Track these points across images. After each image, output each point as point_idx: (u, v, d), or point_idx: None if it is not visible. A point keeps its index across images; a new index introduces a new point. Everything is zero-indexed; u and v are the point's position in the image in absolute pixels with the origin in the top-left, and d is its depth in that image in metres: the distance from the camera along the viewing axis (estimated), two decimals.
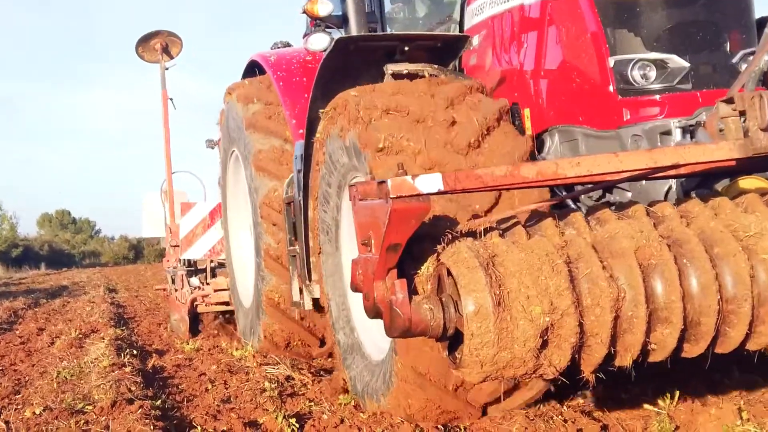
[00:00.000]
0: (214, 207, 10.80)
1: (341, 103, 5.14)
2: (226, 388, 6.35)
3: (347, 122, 5.02)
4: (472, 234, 3.35)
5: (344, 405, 5.48)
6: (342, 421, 5.02)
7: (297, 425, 4.93)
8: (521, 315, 2.94)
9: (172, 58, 11.89)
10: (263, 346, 7.65)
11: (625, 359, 3.18)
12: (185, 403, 6.05)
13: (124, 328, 11.00)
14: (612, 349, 3.12)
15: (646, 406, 4.88)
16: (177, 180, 13.30)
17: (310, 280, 6.33)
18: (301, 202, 6.34)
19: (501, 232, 3.40)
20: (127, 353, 7.98)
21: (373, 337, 5.34)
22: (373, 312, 3.35)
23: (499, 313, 2.93)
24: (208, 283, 10.42)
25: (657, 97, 4.58)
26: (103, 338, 9.33)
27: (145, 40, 11.67)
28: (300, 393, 6.05)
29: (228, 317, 10.27)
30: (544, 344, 2.99)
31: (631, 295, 3.09)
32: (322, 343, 7.53)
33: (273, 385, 6.12)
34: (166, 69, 11.87)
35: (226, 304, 9.95)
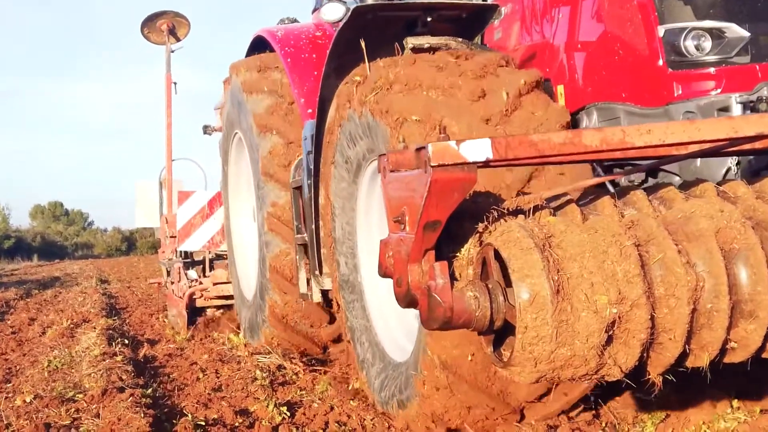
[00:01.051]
0: (213, 196, 10.07)
1: (360, 78, 4.71)
2: (218, 377, 6.33)
3: (367, 98, 4.54)
4: (517, 213, 2.91)
5: (334, 394, 5.48)
6: (332, 408, 5.01)
7: (288, 413, 4.91)
8: (584, 305, 2.52)
9: (178, 40, 11.20)
10: (267, 335, 7.15)
11: (700, 359, 2.73)
12: (176, 391, 6.03)
13: (115, 318, 10.93)
14: (686, 347, 2.67)
15: (636, 394, 4.88)
16: (176, 168, 12.48)
17: (321, 271, 5.80)
18: (312, 188, 5.76)
19: (552, 211, 2.95)
20: (118, 343, 7.92)
21: (392, 335, 4.95)
22: (407, 300, 2.94)
23: (558, 302, 2.52)
24: (207, 276, 9.77)
25: (712, 70, 4.06)
26: (95, 328, 9.24)
27: (150, 21, 11.04)
28: (291, 382, 6.02)
29: (224, 312, 9.67)
30: (609, 340, 2.56)
31: (712, 285, 2.63)
32: (332, 319, 6.92)
33: (264, 374, 6.09)
34: (172, 52, 11.15)
35: (226, 298, 9.33)
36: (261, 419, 4.77)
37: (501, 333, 2.83)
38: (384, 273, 3.10)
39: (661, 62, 4.11)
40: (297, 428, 4.55)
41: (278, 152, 6.82)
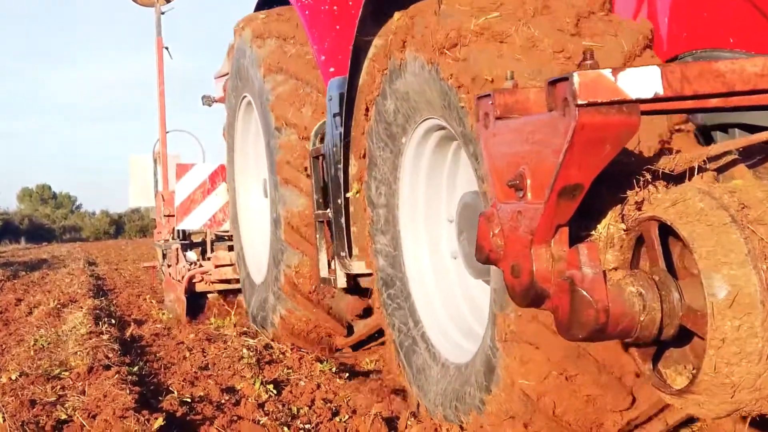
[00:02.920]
0: (215, 169, 9.12)
1: (417, 17, 3.68)
2: (204, 356, 6.32)
3: (430, 37, 3.48)
4: (669, 177, 2.24)
5: (321, 372, 5.48)
6: (318, 386, 5.01)
7: (274, 391, 4.90)
8: None
9: (169, 1, 10.36)
10: (277, 330, 6.46)
11: None
12: (163, 370, 6.02)
13: (102, 299, 10.92)
14: None
15: None
16: (170, 142, 11.74)
17: (350, 253, 4.97)
18: (341, 155, 4.90)
19: (715, 173, 2.31)
20: (105, 322, 7.90)
21: (443, 328, 4.18)
22: (529, 296, 2.25)
23: None
24: (207, 258, 8.95)
25: None
26: (82, 308, 9.24)
27: None
28: (278, 360, 6.01)
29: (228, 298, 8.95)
30: None
31: None
32: (350, 330, 6.31)
33: (251, 353, 6.09)
34: (162, 13, 10.29)
35: (229, 282, 8.60)
36: (247, 396, 4.77)
37: (666, 345, 2.17)
38: (487, 258, 2.45)
39: None
40: (283, 405, 4.56)
41: (293, 93, 6.13)
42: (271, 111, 6.12)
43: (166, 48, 10.36)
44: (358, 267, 5.00)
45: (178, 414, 4.42)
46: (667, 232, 2.13)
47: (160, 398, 4.80)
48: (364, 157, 4.54)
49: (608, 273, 2.12)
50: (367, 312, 6.00)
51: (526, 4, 3.24)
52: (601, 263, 2.12)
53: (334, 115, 5.06)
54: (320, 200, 5.54)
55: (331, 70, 5.60)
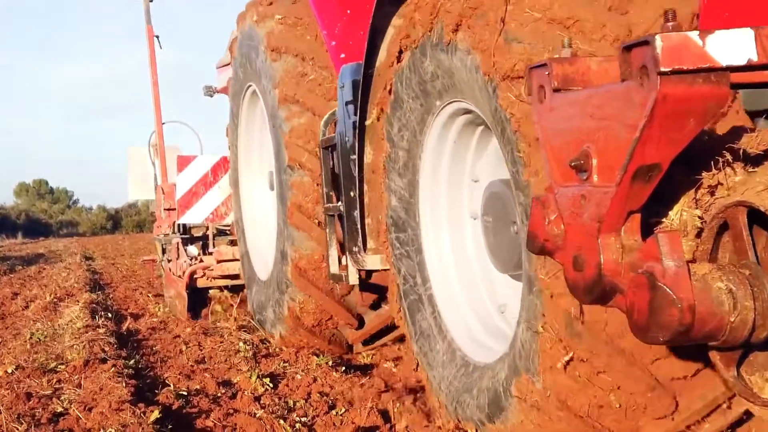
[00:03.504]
0: (217, 161, 8.79)
1: (479, 9, 3.21)
2: (201, 350, 6.32)
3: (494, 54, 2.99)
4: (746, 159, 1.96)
5: (317, 366, 5.48)
6: (315, 380, 5.00)
7: (270, 384, 4.90)
8: None
9: None
10: (286, 327, 6.01)
11: None
12: (159, 363, 6.03)
13: (99, 293, 10.91)
14: None
15: None
16: (167, 134, 11.36)
17: (364, 247, 4.65)
18: (355, 144, 4.58)
19: None
20: (101, 316, 7.91)
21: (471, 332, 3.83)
22: (595, 291, 2.03)
23: None
24: (209, 253, 8.60)
25: None
26: (78, 302, 9.25)
27: None
28: (275, 354, 6.01)
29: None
30: None
31: None
32: (361, 323, 5.92)
33: (247, 347, 6.09)
34: (151, 1, 9.99)
35: (232, 278, 8.19)
36: (244, 390, 4.77)
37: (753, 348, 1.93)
38: (541, 248, 2.23)
39: None
40: (279, 399, 4.56)
41: (298, 73, 5.75)
42: (277, 98, 5.78)
43: (157, 37, 10.06)
44: (371, 262, 4.68)
45: (174, 407, 4.42)
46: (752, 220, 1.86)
47: (156, 391, 4.80)
48: (388, 92, 4.09)
49: (692, 267, 1.86)
50: (378, 305, 5.77)
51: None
52: (684, 255, 1.86)
53: (347, 103, 4.79)
54: (330, 193, 5.24)
55: (342, 56, 5.34)
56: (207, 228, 9.01)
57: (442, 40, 3.42)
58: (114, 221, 56.16)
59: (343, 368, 5.42)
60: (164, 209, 9.33)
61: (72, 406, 4.32)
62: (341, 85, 4.93)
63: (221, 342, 6.47)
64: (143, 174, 10.35)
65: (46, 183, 70.61)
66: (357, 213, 4.63)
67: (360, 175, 4.51)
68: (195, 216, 8.82)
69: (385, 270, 4.59)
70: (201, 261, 8.44)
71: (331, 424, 4.00)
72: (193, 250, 8.83)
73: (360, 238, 4.65)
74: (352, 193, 4.72)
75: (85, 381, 4.97)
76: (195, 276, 8.32)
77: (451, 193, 3.95)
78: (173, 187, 9.03)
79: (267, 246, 6.59)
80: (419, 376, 5.53)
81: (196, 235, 9.33)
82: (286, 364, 5.55)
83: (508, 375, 3.12)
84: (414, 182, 4.01)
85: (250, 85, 6.56)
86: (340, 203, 4.98)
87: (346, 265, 4.96)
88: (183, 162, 8.85)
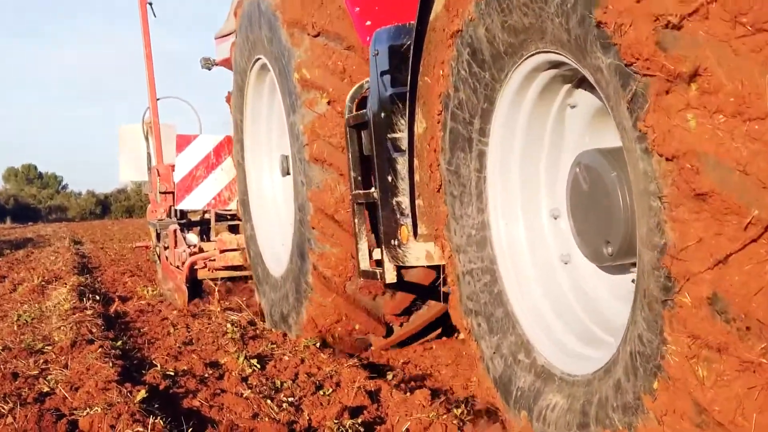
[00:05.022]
0: (220, 141, 8.07)
1: None
2: (188, 332, 6.30)
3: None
4: None
5: (305, 347, 5.46)
6: (302, 361, 4.98)
7: (258, 365, 4.87)
8: None
9: None
10: (303, 333, 5.47)
11: None
12: (146, 345, 6.01)
13: (87, 276, 10.88)
14: None
15: None
16: (162, 112, 10.53)
17: (415, 233, 3.91)
18: (399, 115, 4.03)
19: None
20: (89, 299, 7.88)
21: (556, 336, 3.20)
22: None
23: None
24: (209, 240, 8.02)
25: None
26: (66, 285, 9.21)
27: None
28: (262, 336, 6.00)
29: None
30: None
31: None
32: (389, 331, 5.39)
33: (235, 329, 6.07)
34: None
35: (237, 269, 7.60)
36: (231, 371, 4.75)
37: None
38: None
39: None
40: (267, 379, 4.54)
41: (320, 48, 5.05)
42: (295, 71, 5.10)
43: (150, 4, 9.38)
44: (416, 255, 3.96)
45: (161, 387, 4.40)
46: None
47: (144, 372, 4.78)
48: (452, 48, 3.40)
49: None
50: (409, 310, 5.28)
51: None
52: None
53: (382, 73, 4.16)
54: (359, 178, 4.65)
55: (368, 23, 4.80)
56: (204, 213, 8.46)
57: None
58: (103, 206, 56.09)
59: (331, 350, 5.41)
60: (160, 192, 8.71)
61: (58, 386, 4.30)
62: (375, 53, 4.30)
63: (209, 324, 6.45)
64: (136, 154, 9.72)
65: (35, 168, 70.38)
66: (396, 200, 4.04)
67: (410, 148, 3.80)
68: (195, 201, 8.14)
69: (431, 266, 3.94)
70: (201, 250, 7.84)
71: (318, 404, 3.98)
72: (193, 237, 8.22)
73: (411, 222, 3.91)
74: (389, 177, 4.08)
75: (72, 362, 4.95)
76: (195, 267, 7.72)
77: (527, 165, 3.35)
78: (169, 169, 8.43)
79: (278, 236, 6.04)
80: (407, 357, 5.55)
81: (193, 219, 8.79)
82: (274, 346, 5.53)
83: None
84: (483, 153, 3.37)
85: (258, 59, 5.84)
86: (373, 190, 4.33)
87: (380, 261, 4.29)
88: (182, 141, 8.14)
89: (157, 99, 9.28)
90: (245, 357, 4.99)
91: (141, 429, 3.20)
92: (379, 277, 4.30)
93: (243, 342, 5.69)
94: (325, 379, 4.58)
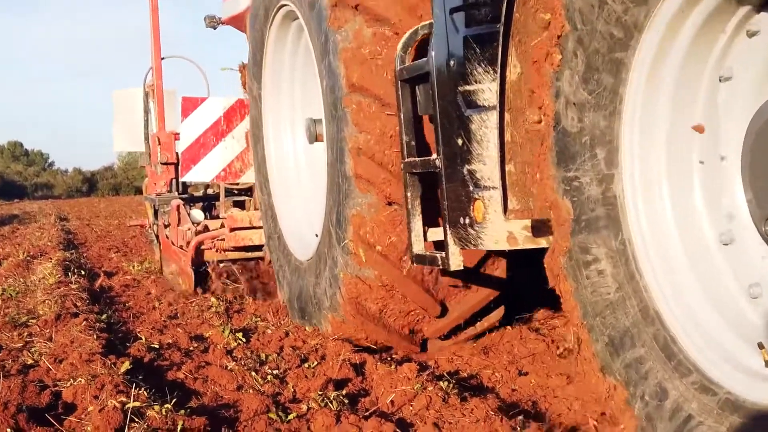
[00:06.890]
0: (232, 104, 7.05)
1: None
2: (174, 307, 6.28)
3: None
4: None
5: (290, 321, 5.44)
6: (287, 334, 4.96)
7: (243, 339, 4.86)
8: None
9: None
10: (341, 315, 4.51)
11: None
12: (131, 318, 5.99)
13: (73, 251, 10.82)
14: None
15: None
16: (166, 73, 9.68)
17: (505, 208, 3.04)
18: (469, 67, 3.23)
19: None
20: (74, 273, 7.83)
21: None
22: None
23: None
24: (216, 217, 7.23)
25: None
26: (51, 259, 9.16)
27: None
28: (247, 310, 5.99)
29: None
30: None
31: None
32: (444, 310, 4.44)
33: (220, 303, 6.06)
34: None
35: (248, 249, 6.60)
36: (216, 344, 4.73)
37: None
38: None
39: None
40: (252, 352, 4.51)
41: None
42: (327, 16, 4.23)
43: None
44: (494, 237, 3.15)
45: (146, 359, 4.37)
46: None
47: (128, 344, 4.76)
48: None
49: None
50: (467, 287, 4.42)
51: None
52: None
53: (452, 11, 3.34)
54: (412, 143, 3.90)
55: None
56: (206, 187, 7.70)
57: None
58: (90, 184, 55.75)
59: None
60: (160, 163, 7.83)
61: (42, 357, 4.26)
62: None
63: (194, 298, 6.41)
64: (131, 122, 8.67)
65: (21, 145, 69.81)
66: (469, 168, 3.25)
67: (501, 99, 3.00)
68: (203, 173, 7.08)
69: (515, 250, 3.14)
70: (206, 228, 6.93)
71: (302, 377, 3.96)
72: (199, 214, 7.28)
73: (501, 195, 3.06)
74: (459, 141, 3.30)
75: (56, 334, 4.92)
76: (202, 247, 6.76)
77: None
78: (172, 137, 7.62)
79: (304, 217, 5.32)
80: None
81: (195, 194, 7.99)
82: (258, 319, 5.51)
83: None
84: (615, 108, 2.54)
85: (283, 5, 4.96)
86: (435, 157, 3.58)
87: (440, 244, 3.64)
88: (189, 105, 7.07)
89: (162, 58, 8.32)
90: (230, 330, 4.97)
91: (124, 399, 3.16)
92: (439, 262, 3.62)
93: (228, 316, 5.68)
94: (310, 353, 4.55)
